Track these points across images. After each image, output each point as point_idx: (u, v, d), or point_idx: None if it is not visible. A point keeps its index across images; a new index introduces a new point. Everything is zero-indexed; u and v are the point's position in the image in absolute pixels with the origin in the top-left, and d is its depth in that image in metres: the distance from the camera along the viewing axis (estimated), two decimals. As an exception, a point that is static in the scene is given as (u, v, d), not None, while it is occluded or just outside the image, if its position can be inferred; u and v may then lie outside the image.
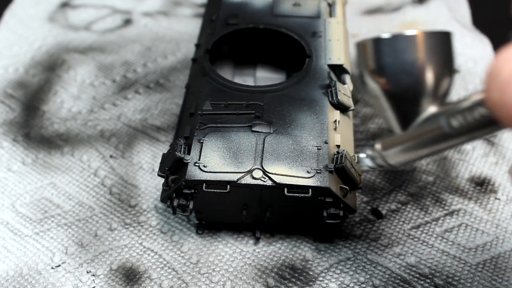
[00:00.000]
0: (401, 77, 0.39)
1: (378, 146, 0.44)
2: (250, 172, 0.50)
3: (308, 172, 0.50)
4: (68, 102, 0.72)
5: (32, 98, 0.72)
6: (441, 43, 0.39)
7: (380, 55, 0.39)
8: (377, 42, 0.39)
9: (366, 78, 0.41)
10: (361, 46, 0.41)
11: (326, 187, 0.50)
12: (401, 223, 0.58)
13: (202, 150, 0.52)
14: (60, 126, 0.69)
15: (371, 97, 0.41)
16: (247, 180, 0.50)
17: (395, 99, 0.40)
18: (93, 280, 0.54)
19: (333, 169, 0.51)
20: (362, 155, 0.46)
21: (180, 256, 0.55)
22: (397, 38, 0.39)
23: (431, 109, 0.39)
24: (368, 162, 0.46)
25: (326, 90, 0.57)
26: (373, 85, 0.40)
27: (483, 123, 0.34)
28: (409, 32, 0.39)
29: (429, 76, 0.38)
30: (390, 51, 0.39)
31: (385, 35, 0.39)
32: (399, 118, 0.40)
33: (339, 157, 0.51)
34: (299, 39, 0.63)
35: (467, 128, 0.35)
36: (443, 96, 0.39)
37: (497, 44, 0.79)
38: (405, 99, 0.39)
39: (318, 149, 0.52)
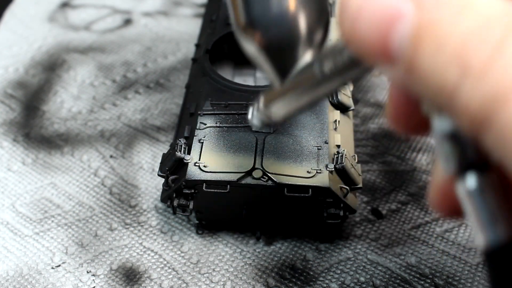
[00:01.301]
0: (274, 27, 0.37)
1: (261, 103, 0.42)
2: (250, 172, 0.50)
3: (308, 172, 0.50)
4: (68, 102, 0.72)
5: (32, 98, 0.72)
6: None
7: (250, 7, 0.38)
8: None
9: (239, 36, 0.39)
10: (229, 0, 0.39)
11: (326, 187, 0.50)
12: (401, 223, 0.58)
13: (202, 150, 0.52)
14: (60, 126, 0.69)
15: (248, 54, 0.40)
16: (247, 180, 0.50)
17: (271, 52, 0.38)
18: (93, 280, 0.54)
19: (333, 169, 0.51)
20: (249, 116, 0.44)
21: (180, 256, 0.55)
22: None
23: (307, 57, 0.38)
24: (255, 121, 0.43)
25: (326, 90, 0.57)
26: (247, 41, 0.39)
27: (349, 63, 0.31)
28: None
29: (302, 24, 0.37)
30: (259, 2, 0.38)
31: None
32: (276, 70, 0.39)
33: (339, 157, 0.51)
34: (299, 39, 0.63)
35: (337, 72, 0.33)
36: (319, 45, 0.38)
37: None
38: (280, 50, 0.38)
39: (318, 149, 0.52)
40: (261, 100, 0.42)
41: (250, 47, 0.39)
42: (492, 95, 0.23)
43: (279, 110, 0.40)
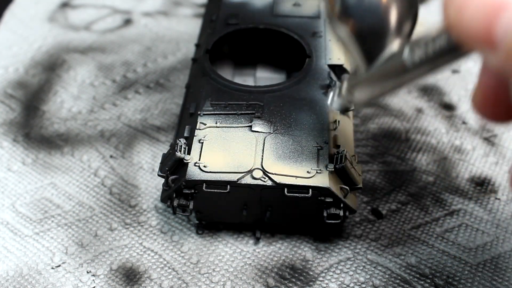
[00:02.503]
0: (367, 17, 0.40)
1: (344, 87, 0.45)
2: (250, 172, 0.50)
3: (308, 172, 0.50)
4: (68, 102, 0.72)
5: (32, 98, 0.72)
6: None
7: None
8: None
9: (333, 22, 0.42)
10: None
11: (326, 187, 0.50)
12: (401, 223, 0.58)
13: (202, 150, 0.52)
14: (60, 126, 0.69)
15: (339, 40, 0.43)
16: (247, 180, 0.50)
17: (361, 39, 0.41)
18: (93, 280, 0.54)
19: (333, 169, 0.51)
20: (329, 97, 0.48)
21: (180, 256, 0.55)
22: None
23: (395, 44, 0.40)
24: (335, 105, 0.47)
25: (326, 90, 0.57)
26: (340, 28, 0.42)
27: (442, 50, 0.34)
28: None
29: (393, 15, 0.40)
30: None
31: None
32: (364, 56, 0.42)
33: (339, 157, 0.51)
34: (299, 39, 0.63)
35: (428, 59, 0.35)
36: (407, 35, 0.41)
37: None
38: (371, 37, 0.41)
39: (318, 149, 0.52)
40: (344, 84, 0.45)
41: (343, 33, 0.42)
42: None
43: (363, 95, 0.43)
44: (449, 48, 0.33)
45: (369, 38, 0.41)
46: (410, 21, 0.41)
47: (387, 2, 0.40)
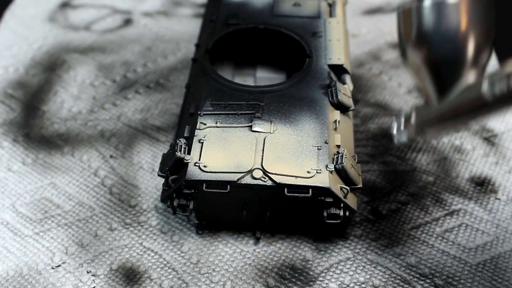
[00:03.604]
0: (443, 45, 0.38)
1: (413, 119, 0.43)
2: (250, 172, 0.50)
3: (308, 172, 0.50)
4: (68, 102, 0.72)
5: (32, 98, 0.72)
6: (485, 10, 0.38)
7: (423, 22, 0.39)
8: (420, 9, 0.38)
9: (407, 48, 0.40)
10: (401, 13, 0.40)
11: (326, 187, 0.50)
12: (401, 223, 0.58)
13: (202, 150, 0.52)
14: (60, 126, 0.69)
15: (411, 68, 0.41)
16: (247, 180, 0.50)
17: (435, 68, 0.39)
18: (93, 280, 0.54)
19: (333, 169, 0.51)
20: (394, 128, 0.45)
21: (180, 256, 0.55)
22: (441, 4, 0.38)
23: (471, 78, 0.38)
24: (403, 138, 0.44)
25: (326, 90, 0.57)
26: (414, 55, 0.40)
27: None
28: None
29: (471, 45, 0.38)
30: (433, 19, 0.38)
31: (428, 2, 0.38)
32: (437, 87, 0.40)
33: (339, 157, 0.51)
34: (299, 39, 0.63)
35: (510, 94, 0.34)
36: (483, 66, 0.39)
37: (497, 44, 0.79)
38: (445, 67, 0.39)
39: (318, 149, 0.52)
40: (414, 117, 0.43)
41: (416, 60, 0.40)
42: None
43: (434, 130, 0.41)
44: None
45: (443, 67, 0.39)
46: (488, 51, 0.39)
47: (465, 30, 0.38)
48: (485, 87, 0.35)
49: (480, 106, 0.36)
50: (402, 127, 0.44)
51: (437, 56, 0.39)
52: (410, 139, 0.45)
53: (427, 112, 0.42)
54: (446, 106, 0.40)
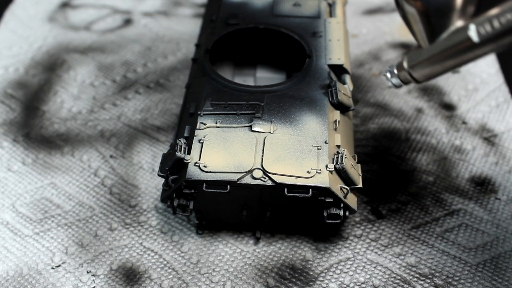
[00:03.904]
0: None
1: (404, 62, 0.47)
2: (250, 172, 0.50)
3: (308, 172, 0.50)
4: (68, 102, 0.72)
5: (32, 98, 0.72)
6: None
7: None
8: None
9: (402, 1, 0.45)
10: None
11: (326, 187, 0.50)
12: (401, 223, 0.58)
13: (202, 150, 0.52)
14: (60, 126, 0.69)
15: (404, 17, 0.46)
16: (247, 180, 0.50)
17: (427, 16, 0.44)
18: (93, 280, 0.54)
19: (333, 169, 0.51)
20: (388, 75, 0.50)
21: (180, 256, 0.55)
22: None
23: (459, 23, 0.42)
24: (394, 81, 0.49)
25: (326, 90, 0.57)
26: (408, 6, 0.45)
27: (510, 27, 0.36)
28: None
29: None
30: None
31: None
32: (428, 33, 0.44)
33: (339, 157, 0.51)
34: (299, 39, 0.63)
35: (495, 35, 0.37)
36: (471, 13, 0.43)
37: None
38: (437, 15, 0.43)
39: (318, 149, 0.52)
40: (405, 60, 0.47)
41: (410, 9, 0.45)
42: None
43: (424, 70, 0.46)
44: None
45: (434, 15, 0.43)
46: (474, 4, 0.43)
47: None
48: (471, 29, 0.39)
49: (467, 48, 0.40)
50: (395, 71, 0.49)
51: (429, 5, 0.44)
52: (403, 82, 0.49)
53: (418, 54, 0.46)
54: (436, 47, 0.44)
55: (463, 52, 0.41)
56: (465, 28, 0.40)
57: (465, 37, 0.40)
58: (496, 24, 0.37)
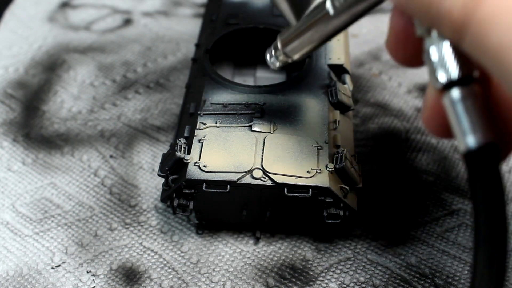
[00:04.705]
0: None
1: (278, 43, 0.48)
2: (250, 172, 0.50)
3: (308, 172, 0.50)
4: (68, 102, 0.72)
5: (32, 98, 0.72)
6: None
7: None
8: None
9: None
10: None
11: (326, 187, 0.50)
12: (401, 223, 0.58)
13: (202, 150, 0.52)
14: (60, 126, 0.69)
15: None
16: (247, 180, 0.50)
17: None
18: (93, 280, 0.54)
19: (333, 169, 0.51)
20: (267, 57, 0.51)
21: (180, 256, 0.55)
22: None
23: None
24: (274, 61, 0.50)
25: (326, 90, 0.57)
26: None
27: None
28: None
29: None
30: None
31: None
32: (293, 9, 0.45)
33: (339, 157, 0.51)
34: (299, 39, 0.63)
35: (348, 6, 0.39)
36: None
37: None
38: None
39: (318, 149, 0.52)
40: (278, 40, 0.48)
41: None
42: None
43: (295, 47, 0.47)
44: None
45: None
46: None
47: None
48: (328, 2, 0.40)
49: (326, 21, 0.41)
50: (273, 53, 0.50)
51: None
52: (281, 62, 0.50)
53: (287, 32, 0.47)
54: (300, 24, 0.45)
55: (324, 25, 0.42)
56: (323, 2, 0.41)
57: (324, 10, 0.41)
58: None
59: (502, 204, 0.30)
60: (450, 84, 0.31)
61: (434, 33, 0.31)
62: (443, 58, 0.31)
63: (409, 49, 0.36)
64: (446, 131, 0.34)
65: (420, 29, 0.33)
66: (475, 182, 0.30)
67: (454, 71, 0.31)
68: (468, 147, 0.30)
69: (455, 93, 0.31)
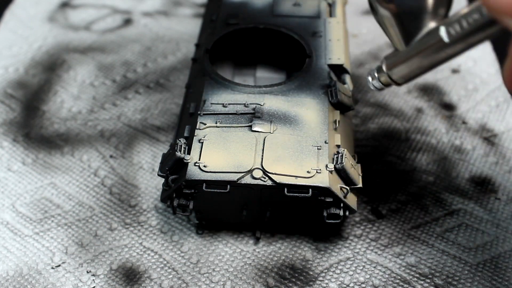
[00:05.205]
0: (406, 0, 0.46)
1: (383, 65, 0.49)
2: (250, 172, 0.50)
3: (308, 172, 0.50)
4: (68, 102, 0.72)
5: (32, 98, 0.72)
6: None
7: None
8: None
9: (376, 5, 0.47)
10: None
11: (326, 187, 0.50)
12: (401, 223, 0.58)
13: (202, 150, 0.52)
14: (60, 126, 0.69)
15: (381, 21, 0.48)
16: (247, 180, 0.50)
17: (401, 19, 0.46)
18: (93, 280, 0.54)
19: (333, 169, 0.51)
20: (369, 78, 0.51)
21: (180, 256, 0.55)
22: None
23: (432, 24, 0.44)
24: (375, 83, 0.51)
25: (326, 90, 0.57)
26: (382, 10, 0.47)
27: (478, 26, 0.38)
28: None
29: (430, 0, 0.45)
30: None
31: None
32: (403, 35, 0.46)
33: (339, 157, 0.51)
34: (299, 39, 0.63)
35: (464, 35, 0.40)
36: (443, 15, 0.45)
37: (497, 44, 0.79)
38: (409, 18, 0.45)
39: (318, 149, 0.52)
40: (384, 63, 0.49)
41: (385, 13, 0.47)
42: None
43: (401, 72, 0.48)
44: (483, 22, 0.37)
45: (408, 19, 0.45)
46: (445, 5, 0.45)
47: None
48: (442, 29, 0.41)
49: (439, 48, 0.42)
50: (376, 74, 0.51)
51: (402, 9, 0.46)
52: (384, 84, 0.51)
53: (396, 56, 0.48)
54: (411, 49, 0.46)
55: (436, 52, 0.43)
56: (436, 29, 0.42)
57: (437, 38, 0.42)
58: (464, 24, 0.39)
59: None
60: None
61: None
62: None
63: None
64: None
65: None
66: None
67: None
68: None
69: None
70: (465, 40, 0.40)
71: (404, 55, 0.46)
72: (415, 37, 0.45)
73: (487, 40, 0.39)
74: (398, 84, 0.49)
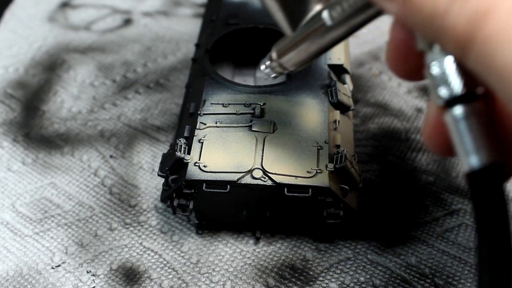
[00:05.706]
0: None
1: (274, 54, 0.47)
2: (250, 172, 0.50)
3: (308, 172, 0.50)
4: (68, 102, 0.72)
5: (32, 98, 0.72)
6: None
7: None
8: None
9: None
10: None
11: (326, 187, 0.50)
12: (401, 223, 0.58)
13: (202, 150, 0.52)
14: (60, 126, 0.69)
15: (266, 6, 0.45)
16: (247, 180, 0.50)
17: (285, 3, 0.43)
18: (93, 280, 0.54)
19: (333, 169, 0.51)
20: (262, 67, 0.50)
21: (180, 256, 0.55)
22: None
23: (317, 7, 0.42)
24: (267, 71, 0.49)
25: (326, 90, 0.57)
26: None
27: (358, 7, 0.37)
28: None
29: None
30: None
31: None
32: (289, 20, 0.44)
33: (339, 157, 0.51)
34: (299, 39, 0.63)
35: (346, 17, 0.38)
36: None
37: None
38: (293, 2, 0.43)
39: (318, 149, 0.52)
40: (274, 50, 0.47)
41: (269, 0, 0.44)
42: (476, 10, 0.26)
43: (292, 59, 0.46)
44: (363, 3, 0.36)
45: (292, 2, 0.43)
46: None
47: None
48: (325, 12, 0.39)
49: (324, 31, 0.40)
50: (267, 62, 0.49)
51: None
52: (276, 72, 0.49)
53: (283, 43, 0.46)
54: (297, 35, 0.44)
55: (321, 36, 0.41)
56: (320, 13, 0.40)
57: (321, 21, 0.40)
58: (345, 5, 0.38)
59: (506, 227, 0.28)
60: (452, 101, 0.29)
61: (436, 48, 0.30)
62: (446, 74, 0.29)
63: (409, 63, 0.34)
64: (448, 149, 0.32)
65: (421, 43, 0.31)
66: (479, 203, 0.29)
67: (456, 87, 0.29)
68: (471, 167, 0.29)
69: (458, 110, 0.29)
70: (347, 22, 0.38)
71: (292, 41, 0.44)
72: (300, 21, 0.43)
73: (370, 22, 0.38)
74: (290, 70, 0.47)
